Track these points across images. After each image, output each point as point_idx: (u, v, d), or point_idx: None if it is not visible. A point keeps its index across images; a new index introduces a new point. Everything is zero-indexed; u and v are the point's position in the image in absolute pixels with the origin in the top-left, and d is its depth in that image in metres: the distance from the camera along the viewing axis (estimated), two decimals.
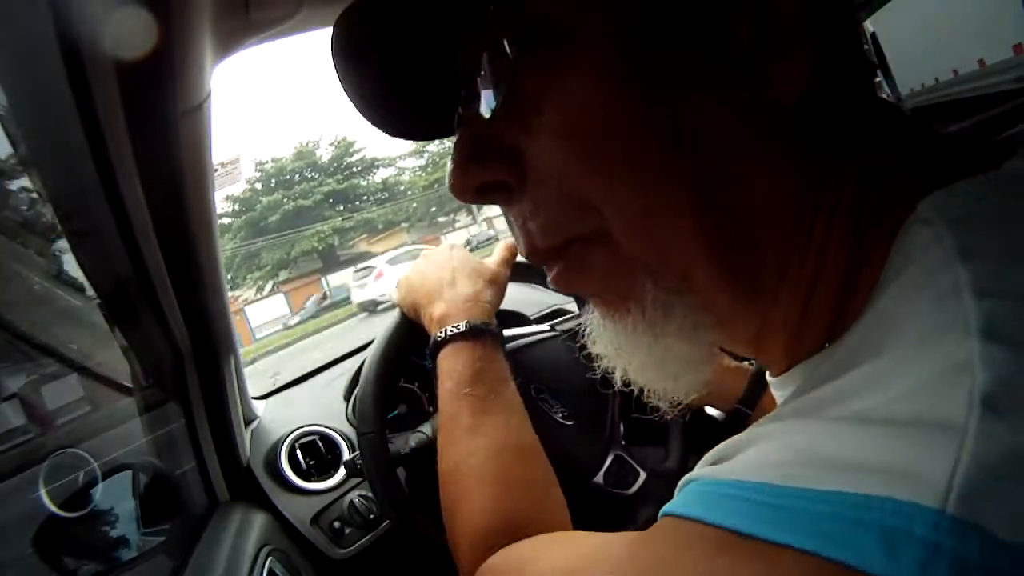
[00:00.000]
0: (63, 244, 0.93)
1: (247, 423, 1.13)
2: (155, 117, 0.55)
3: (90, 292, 0.88)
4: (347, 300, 22.36)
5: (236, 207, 30.12)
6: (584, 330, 0.48)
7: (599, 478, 0.92)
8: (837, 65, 0.35)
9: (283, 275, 30.65)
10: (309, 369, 1.38)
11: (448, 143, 0.49)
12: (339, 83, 0.46)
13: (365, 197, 33.54)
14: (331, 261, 31.35)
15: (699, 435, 0.94)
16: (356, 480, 1.06)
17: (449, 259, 0.90)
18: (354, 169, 32.79)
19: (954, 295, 0.23)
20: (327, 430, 1.14)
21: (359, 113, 0.48)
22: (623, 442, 0.98)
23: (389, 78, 0.46)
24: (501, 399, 0.75)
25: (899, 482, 0.20)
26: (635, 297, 0.38)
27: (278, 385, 1.34)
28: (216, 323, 0.94)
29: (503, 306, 0.93)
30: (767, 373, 0.44)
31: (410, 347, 0.91)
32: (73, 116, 0.51)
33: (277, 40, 0.60)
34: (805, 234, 0.35)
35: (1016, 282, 0.23)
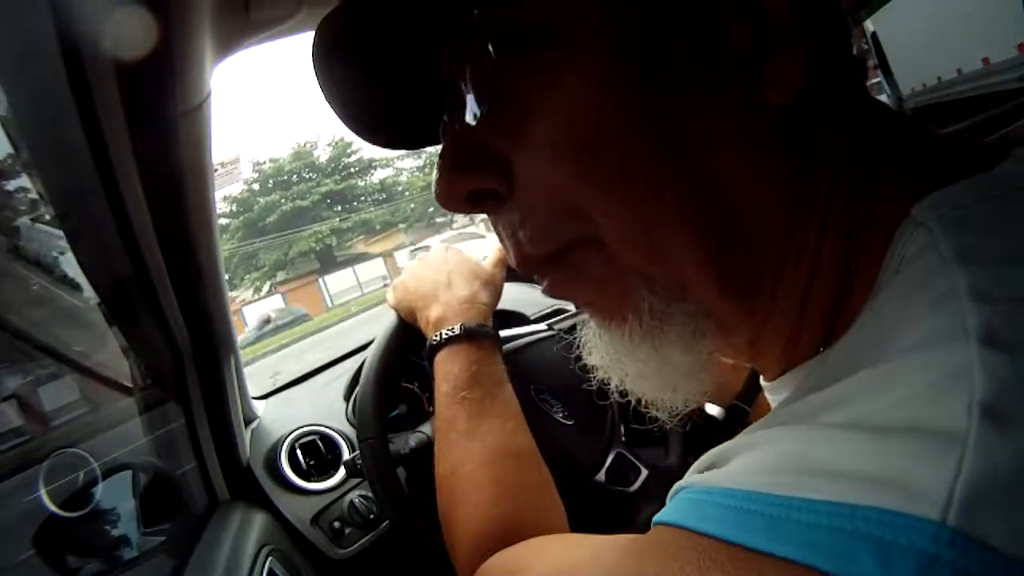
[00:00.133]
0: (63, 244, 0.93)
1: (247, 423, 1.13)
2: (155, 117, 0.55)
3: (90, 292, 0.88)
4: (304, 318, 22.19)
5: (234, 208, 30.08)
6: (580, 339, 0.47)
7: (601, 476, 0.92)
8: (831, 66, 0.35)
9: (281, 276, 30.60)
10: (309, 369, 1.38)
11: None
12: (320, 90, 0.45)
13: (363, 198, 33.50)
14: (328, 262, 31.30)
15: (699, 433, 0.94)
16: (356, 480, 1.06)
17: (445, 261, 0.90)
18: (352, 170, 32.74)
19: (951, 299, 0.23)
20: (327, 430, 1.14)
21: (341, 121, 0.47)
22: (623, 440, 0.98)
23: (371, 85, 0.45)
24: (497, 402, 0.75)
25: (896, 493, 0.20)
26: (632, 306, 0.37)
27: (278, 385, 1.34)
28: (216, 323, 0.94)
29: (503, 306, 0.93)
30: (761, 377, 0.44)
31: (410, 347, 0.91)
32: (73, 116, 0.51)
33: (277, 40, 0.60)
34: (800, 236, 0.35)
35: (1013, 285, 0.23)
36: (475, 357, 0.78)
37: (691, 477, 0.32)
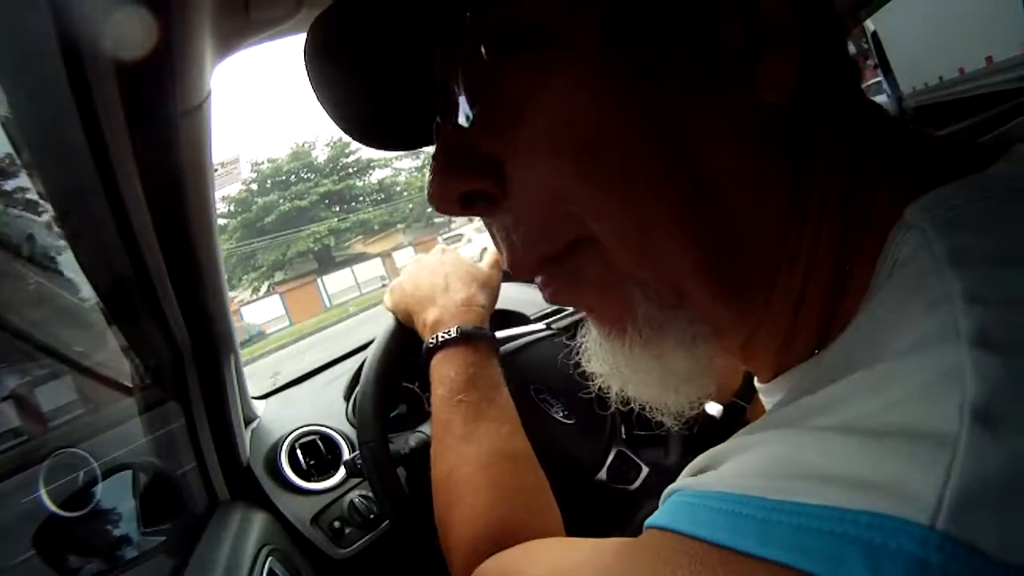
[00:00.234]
0: (63, 244, 0.93)
1: (247, 423, 1.13)
2: (155, 117, 0.55)
3: (90, 292, 0.88)
4: (260, 336, 22.17)
5: (232, 208, 30.05)
6: (580, 346, 0.47)
7: (602, 475, 0.92)
8: (826, 66, 0.35)
9: (279, 276, 30.57)
10: (309, 369, 1.38)
11: None
12: (313, 92, 0.45)
13: (361, 198, 33.47)
14: (327, 262, 31.28)
15: (699, 430, 0.94)
16: (356, 480, 1.06)
17: (441, 264, 0.89)
18: (350, 170, 32.72)
19: (945, 302, 0.23)
20: (327, 430, 1.14)
21: (334, 123, 0.47)
22: (624, 438, 0.99)
23: (363, 87, 0.45)
24: (494, 406, 0.75)
25: (886, 496, 0.20)
26: (630, 315, 0.38)
27: (278, 385, 1.34)
28: (216, 323, 0.94)
29: (504, 306, 0.93)
30: (755, 379, 0.44)
31: (410, 347, 0.91)
32: (73, 116, 0.51)
33: (277, 40, 0.61)
34: (794, 238, 0.34)
35: (1006, 287, 0.23)
36: (471, 360, 0.77)
37: (684, 480, 0.31)
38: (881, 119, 0.36)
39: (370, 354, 0.89)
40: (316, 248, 30.26)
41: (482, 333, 0.80)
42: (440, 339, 0.79)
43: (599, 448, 0.95)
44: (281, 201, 30.11)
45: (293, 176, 31.73)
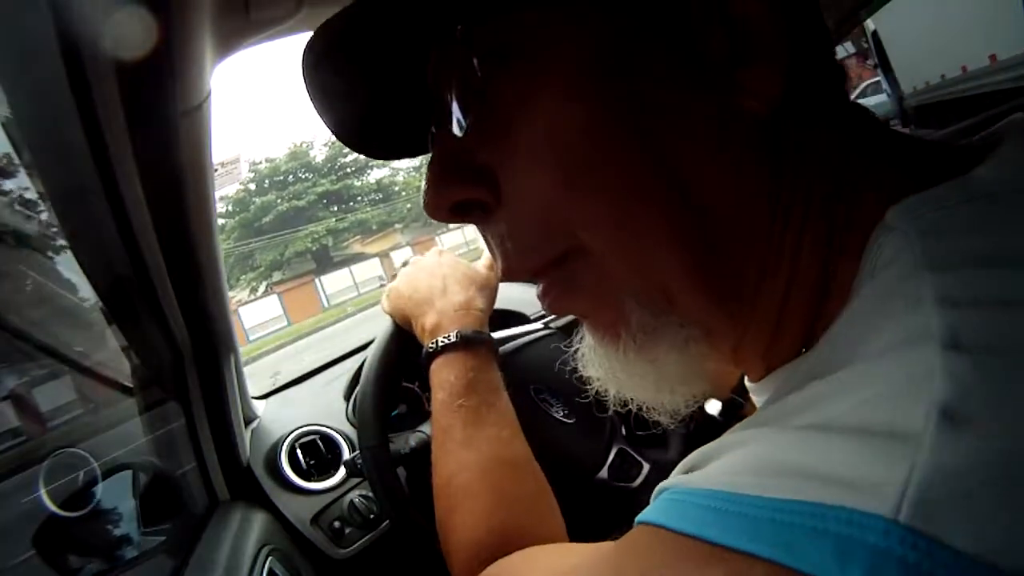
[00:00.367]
0: (63, 244, 0.93)
1: (247, 423, 1.13)
2: (155, 117, 0.55)
3: (90, 292, 0.88)
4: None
5: (230, 208, 30.05)
6: (576, 352, 0.48)
7: (603, 473, 0.92)
8: (810, 72, 0.35)
9: (277, 276, 30.57)
10: (309, 369, 1.38)
11: None
12: (311, 102, 0.45)
13: (359, 198, 33.48)
14: (325, 262, 31.28)
15: (698, 427, 0.95)
16: (356, 480, 1.06)
17: (439, 266, 0.89)
18: (348, 170, 32.72)
19: (920, 304, 0.24)
20: (327, 430, 1.14)
21: (332, 133, 0.48)
22: (624, 436, 0.99)
23: (359, 96, 0.45)
24: (494, 411, 0.75)
25: (855, 492, 0.20)
26: (623, 321, 0.38)
27: (278, 385, 1.34)
28: (216, 323, 0.94)
29: (503, 306, 0.93)
30: (746, 379, 0.45)
31: (410, 347, 0.91)
32: (73, 116, 0.51)
33: (277, 40, 0.61)
34: (778, 242, 0.35)
35: (981, 290, 0.23)
36: (471, 365, 0.77)
37: (674, 478, 0.32)
38: (866, 122, 0.37)
39: (370, 354, 0.89)
40: (314, 248, 30.26)
41: (481, 337, 0.80)
42: (440, 344, 0.79)
43: (600, 447, 0.95)
44: (279, 201, 30.11)
45: (291, 176, 31.73)
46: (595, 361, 0.44)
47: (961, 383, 0.20)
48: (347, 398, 1.21)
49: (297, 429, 1.12)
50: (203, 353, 0.98)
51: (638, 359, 0.39)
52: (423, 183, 0.42)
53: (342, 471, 1.07)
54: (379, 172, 33.89)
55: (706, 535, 0.25)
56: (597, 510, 0.77)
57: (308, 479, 1.06)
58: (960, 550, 0.18)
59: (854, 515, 0.20)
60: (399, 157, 0.51)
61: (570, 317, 1.15)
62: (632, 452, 0.96)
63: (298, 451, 1.09)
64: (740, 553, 0.23)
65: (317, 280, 29.94)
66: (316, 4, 0.57)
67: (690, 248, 0.35)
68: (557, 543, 0.65)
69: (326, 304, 28.96)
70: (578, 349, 0.48)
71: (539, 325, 1.13)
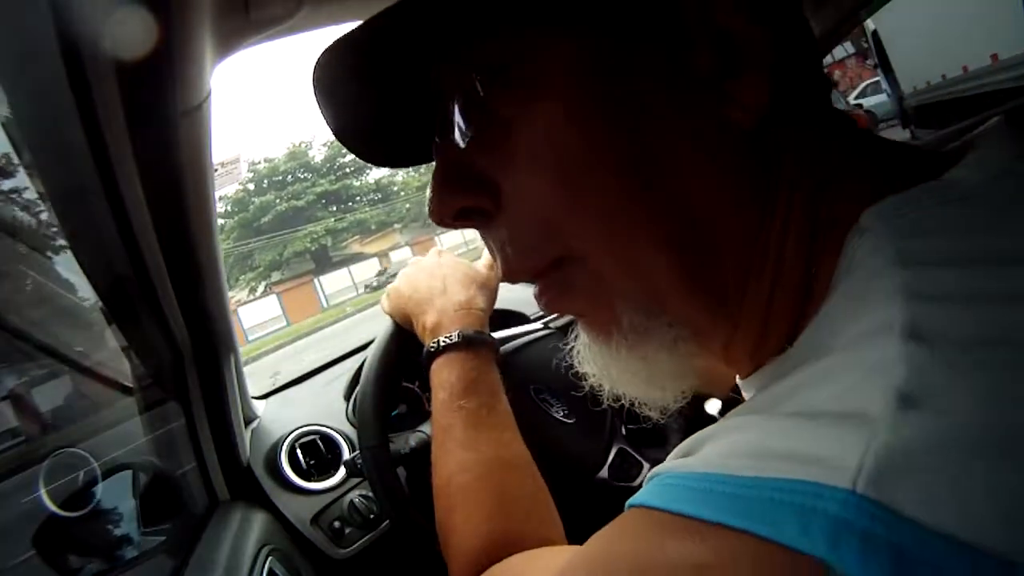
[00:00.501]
0: (63, 244, 0.93)
1: (247, 423, 1.13)
2: (155, 117, 0.55)
3: (90, 292, 0.88)
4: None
5: (229, 208, 30.06)
6: (573, 349, 0.50)
7: (604, 473, 0.92)
8: (795, 82, 0.37)
9: (276, 276, 30.59)
10: (309, 369, 1.38)
11: None
12: (321, 116, 0.47)
13: (358, 198, 33.51)
14: (324, 262, 31.30)
15: (697, 425, 0.95)
16: (356, 480, 1.06)
17: (439, 266, 0.89)
18: (347, 170, 32.75)
19: (887, 299, 0.25)
20: (327, 430, 1.13)
21: (341, 143, 0.50)
22: (624, 435, 0.99)
23: (368, 109, 0.48)
24: (495, 412, 0.75)
25: (821, 468, 0.22)
26: (616, 321, 0.40)
27: (278, 385, 1.34)
28: (216, 323, 0.94)
29: (503, 306, 0.93)
30: (737, 377, 0.46)
31: (410, 347, 0.91)
32: (73, 116, 0.51)
33: (277, 40, 0.60)
34: (762, 246, 0.37)
35: (943, 285, 0.25)
36: (473, 365, 0.77)
37: (666, 463, 0.34)
38: (849, 130, 0.39)
39: (370, 354, 0.89)
40: (313, 248, 30.28)
41: (483, 338, 0.80)
42: (441, 344, 0.79)
43: (600, 446, 0.95)
44: (278, 201, 30.13)
45: (290, 176, 31.75)
46: (590, 358, 0.46)
47: (919, 370, 0.22)
48: (347, 398, 1.21)
49: (297, 429, 1.12)
50: (203, 353, 0.98)
51: (630, 356, 0.41)
52: (428, 190, 0.45)
53: (342, 471, 1.07)
54: (378, 172, 33.97)
55: (683, 510, 0.27)
56: (597, 510, 0.77)
57: (308, 479, 1.06)
58: (915, 519, 0.19)
59: (817, 488, 0.22)
60: (405, 165, 0.54)
61: (569, 317, 1.15)
62: (632, 452, 0.96)
63: (298, 451, 1.09)
64: (719, 526, 0.25)
65: (316, 280, 29.98)
66: (316, 4, 0.57)
67: (678, 254, 0.37)
68: (556, 546, 0.65)
69: (325, 304, 28.99)
70: (574, 347, 0.50)
71: (539, 325, 1.13)
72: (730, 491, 0.25)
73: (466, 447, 0.72)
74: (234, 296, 28.25)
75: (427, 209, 0.45)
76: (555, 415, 0.94)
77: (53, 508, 0.86)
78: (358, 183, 33.11)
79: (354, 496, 1.04)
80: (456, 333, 0.79)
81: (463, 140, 0.42)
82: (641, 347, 0.40)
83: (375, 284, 28.60)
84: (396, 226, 34.19)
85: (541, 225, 0.40)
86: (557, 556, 0.56)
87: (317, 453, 1.11)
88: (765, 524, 0.23)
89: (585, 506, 0.70)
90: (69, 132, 0.53)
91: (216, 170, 0.73)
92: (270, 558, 0.84)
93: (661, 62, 0.36)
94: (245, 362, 1.14)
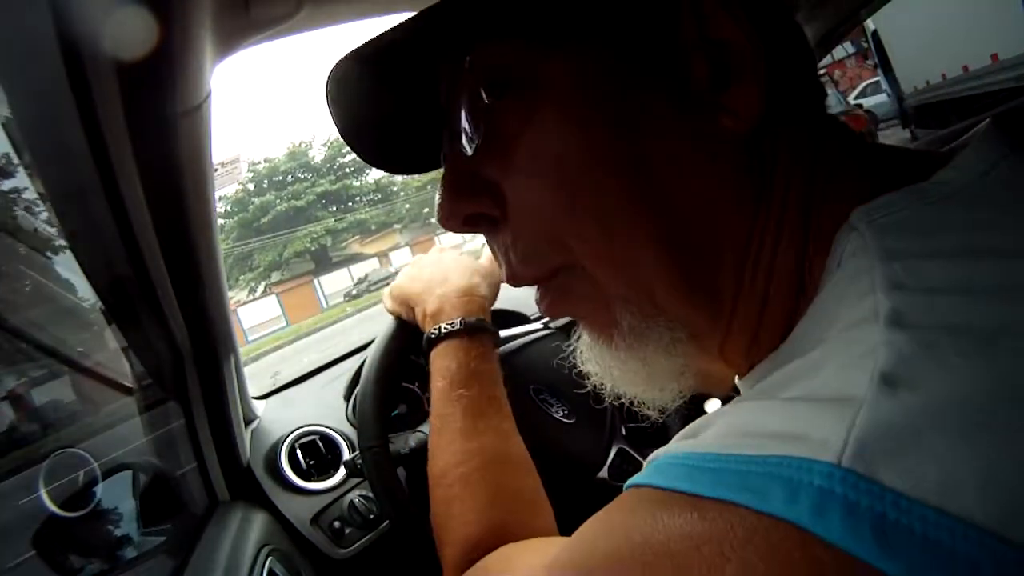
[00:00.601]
0: (63, 244, 0.93)
1: (247, 423, 1.13)
2: (155, 117, 0.55)
3: (90, 292, 0.88)
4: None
5: (228, 208, 30.04)
6: (575, 348, 0.52)
7: (604, 473, 0.92)
8: (788, 90, 0.39)
9: (275, 276, 30.58)
10: (309, 369, 1.38)
11: None
12: (335, 127, 0.49)
13: (358, 198, 33.50)
14: (323, 262, 31.29)
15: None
16: (356, 480, 1.06)
17: (441, 259, 0.90)
18: (347, 170, 32.73)
19: (871, 291, 0.27)
20: (327, 430, 1.13)
21: (356, 153, 0.52)
22: (624, 435, 0.99)
23: (381, 119, 0.50)
24: (494, 403, 0.76)
25: (806, 444, 0.23)
26: (615, 324, 0.42)
27: (278, 385, 1.33)
28: (216, 323, 0.94)
29: (504, 305, 0.92)
30: (736, 377, 0.48)
31: (411, 346, 0.91)
32: (73, 116, 0.51)
33: (277, 40, 0.60)
34: (756, 249, 0.38)
35: (924, 278, 0.27)
36: (474, 354, 0.78)
37: (666, 447, 0.35)
38: (842, 135, 0.40)
39: (370, 354, 0.89)
40: (313, 248, 30.27)
41: (484, 326, 0.81)
42: (442, 330, 0.79)
43: (600, 446, 0.95)
44: (278, 201, 30.12)
45: (290, 176, 31.74)
46: (592, 358, 0.48)
47: (900, 354, 0.23)
48: (347, 398, 1.21)
49: (297, 429, 1.12)
50: (203, 353, 0.98)
51: (630, 358, 0.43)
52: (437, 196, 0.47)
53: (342, 471, 1.07)
54: (378, 173, 33.76)
55: (685, 488, 0.28)
56: (597, 510, 0.77)
57: (308, 479, 1.06)
58: (897, 490, 0.20)
59: (804, 462, 0.23)
60: (415, 172, 0.56)
61: (569, 318, 1.15)
62: (632, 452, 0.96)
63: (298, 451, 1.09)
64: (713, 500, 0.26)
65: (316, 280, 29.97)
66: (316, 4, 0.57)
67: (674, 259, 0.39)
68: (550, 536, 0.66)
69: (325, 304, 28.96)
70: (576, 347, 0.52)
71: (539, 325, 1.13)
72: (723, 467, 0.26)
73: (466, 437, 0.72)
74: (234, 296, 28.22)
75: (436, 214, 0.47)
76: (555, 415, 0.94)
77: (53, 508, 0.86)
78: (358, 183, 33.09)
79: (354, 496, 1.04)
80: (458, 320, 0.79)
81: (470, 148, 0.43)
82: (640, 349, 0.42)
83: (354, 292, 28.56)
84: (396, 226, 34.19)
85: (542, 232, 0.42)
86: (552, 543, 0.57)
87: (317, 453, 1.11)
88: (755, 496, 0.24)
89: (585, 506, 0.70)
90: (69, 132, 0.53)
91: (216, 170, 0.73)
92: (270, 558, 0.84)
93: (659, 73, 0.38)
94: (245, 362, 1.14)
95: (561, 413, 0.94)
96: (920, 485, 0.20)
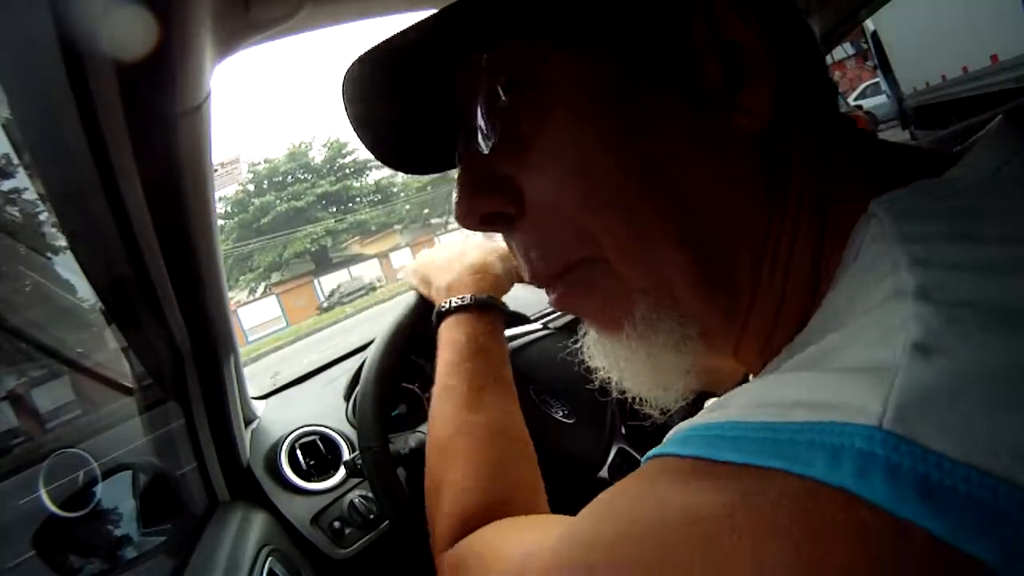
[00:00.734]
0: (63, 244, 0.93)
1: (247, 423, 1.13)
2: (155, 117, 0.55)
3: (90, 292, 0.88)
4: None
5: (228, 208, 30.04)
6: (582, 344, 0.52)
7: (604, 472, 0.92)
8: (801, 90, 0.39)
9: (275, 277, 30.57)
10: (309, 369, 1.38)
11: None
12: (351, 126, 0.50)
13: (358, 199, 33.49)
14: (323, 263, 31.29)
15: None
16: (356, 480, 1.06)
17: (463, 241, 0.92)
18: (347, 170, 32.73)
19: (893, 271, 0.27)
20: (327, 430, 1.13)
21: (370, 152, 0.52)
22: (624, 435, 0.99)
23: (396, 118, 0.50)
24: (500, 381, 0.76)
25: (844, 411, 0.23)
26: (628, 314, 0.42)
27: (278, 385, 1.34)
28: (216, 323, 0.94)
29: None
30: (750, 376, 0.48)
31: (411, 347, 0.91)
32: (73, 116, 0.51)
33: (277, 40, 0.61)
34: (775, 243, 0.39)
35: (945, 256, 0.27)
36: (482, 330, 0.78)
37: (688, 420, 0.34)
38: (851, 132, 0.41)
39: (370, 354, 0.89)
40: (313, 249, 30.27)
41: (494, 303, 0.82)
42: (453, 304, 0.80)
43: (600, 446, 0.95)
44: (278, 202, 30.11)
45: (290, 177, 31.73)
46: (600, 352, 0.48)
47: (929, 325, 0.24)
48: (347, 398, 1.21)
49: (297, 429, 1.12)
50: (203, 353, 0.98)
51: (639, 347, 0.43)
52: (453, 195, 0.47)
53: (342, 471, 1.07)
54: (378, 173, 33.92)
55: (715, 456, 0.27)
56: None
57: (308, 479, 1.06)
58: (940, 451, 0.20)
59: (845, 427, 0.23)
60: (429, 172, 0.56)
61: (569, 317, 1.15)
62: (632, 451, 0.96)
63: (298, 451, 1.09)
64: (747, 467, 0.25)
65: (316, 281, 29.96)
66: (316, 3, 0.57)
67: (693, 251, 0.39)
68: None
69: (325, 305, 28.94)
70: (582, 343, 0.52)
71: (538, 325, 1.13)
72: (756, 435, 0.26)
73: (470, 409, 0.72)
74: (234, 297, 28.21)
75: (454, 215, 0.47)
76: (555, 415, 0.94)
77: (53, 508, 0.86)
78: (358, 184, 33.08)
79: (354, 496, 1.04)
80: (469, 296, 0.80)
81: (486, 146, 0.43)
82: (649, 339, 0.42)
83: (325, 305, 28.49)
84: (396, 227, 34.18)
85: (562, 229, 0.42)
86: (556, 520, 0.56)
87: (317, 453, 1.11)
88: (794, 461, 0.23)
89: (585, 506, 0.70)
90: (69, 132, 0.53)
91: (216, 170, 0.73)
92: (270, 558, 0.84)
93: (672, 73, 0.39)
94: (245, 363, 1.14)
95: (561, 413, 0.94)
96: (961, 446, 0.20)
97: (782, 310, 0.39)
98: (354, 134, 0.51)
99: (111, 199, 0.61)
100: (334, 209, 32.21)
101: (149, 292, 0.77)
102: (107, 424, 1.24)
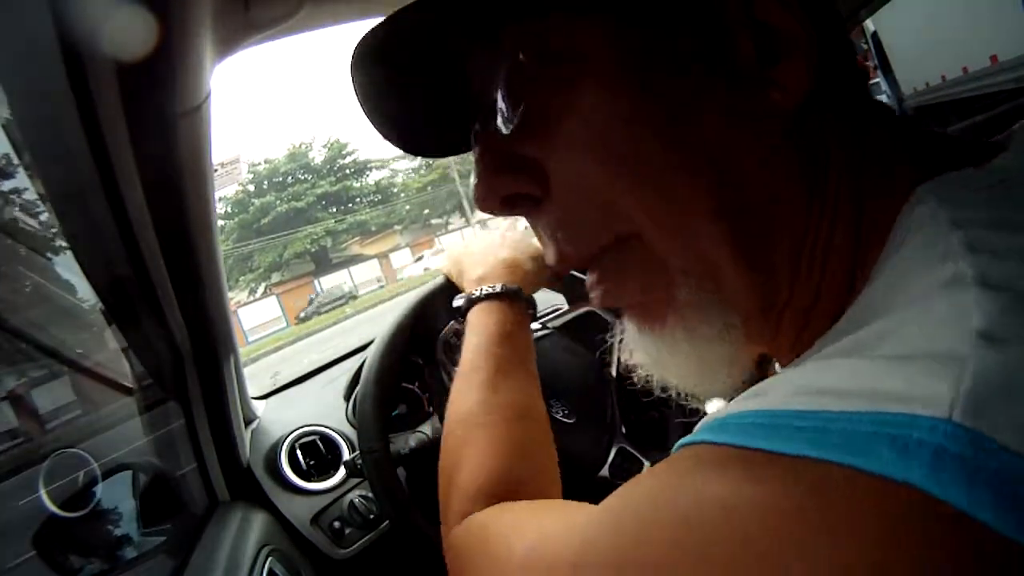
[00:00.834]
0: (63, 244, 0.93)
1: (247, 423, 1.13)
2: (155, 117, 0.55)
3: (90, 292, 0.88)
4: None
5: (229, 209, 30.04)
6: (619, 341, 0.49)
7: (605, 472, 0.92)
8: (833, 69, 0.38)
9: (275, 277, 30.56)
10: (309, 369, 1.38)
11: None
12: (360, 107, 0.48)
13: (358, 199, 33.49)
14: (324, 263, 31.28)
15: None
16: (356, 480, 1.06)
17: (499, 236, 0.92)
18: (347, 171, 32.73)
19: (950, 256, 0.26)
20: (327, 430, 1.14)
21: (379, 133, 0.50)
22: (624, 434, 0.99)
23: (406, 100, 0.48)
24: (525, 368, 0.76)
25: (911, 402, 0.22)
26: (671, 303, 0.40)
27: (278, 385, 1.34)
28: (216, 323, 0.94)
29: None
30: (776, 364, 0.46)
31: (411, 347, 0.91)
32: (73, 116, 0.51)
33: (277, 40, 0.61)
34: (814, 226, 0.37)
35: (1000, 241, 0.26)
36: (511, 319, 0.78)
37: (725, 407, 0.33)
38: (890, 118, 0.39)
39: (370, 354, 0.89)
40: (313, 249, 30.26)
41: (523, 296, 0.82)
42: (483, 292, 0.80)
43: (600, 446, 0.95)
44: (278, 202, 30.11)
45: (290, 177, 31.73)
46: (640, 347, 0.45)
47: (992, 314, 0.23)
48: (347, 398, 1.21)
49: (297, 429, 1.12)
50: (203, 354, 0.98)
51: (682, 339, 0.41)
52: (472, 178, 0.45)
53: (342, 471, 1.07)
54: (378, 173, 33.95)
55: (764, 446, 0.26)
56: None
57: (308, 479, 1.06)
58: (1009, 447, 0.20)
59: (912, 418, 0.22)
60: (441, 155, 0.54)
61: (568, 317, 1.15)
62: (633, 451, 0.96)
63: (298, 451, 1.09)
64: (801, 459, 0.24)
65: (316, 281, 29.95)
66: (316, 3, 0.57)
67: (731, 225, 0.37)
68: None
69: (302, 316, 28.88)
70: (621, 340, 0.49)
71: (537, 325, 1.13)
72: (810, 425, 0.25)
73: (494, 390, 0.71)
74: (234, 297, 28.19)
75: (472, 197, 0.45)
76: (555, 415, 0.94)
77: (53, 508, 0.86)
78: (358, 184, 33.08)
79: (354, 496, 1.04)
80: (500, 285, 0.80)
81: (506, 126, 0.42)
82: (693, 329, 0.40)
83: (302, 316, 28.35)
84: (396, 227, 34.17)
85: (594, 205, 0.40)
86: (573, 507, 0.53)
87: (317, 453, 1.11)
88: (857, 454, 0.22)
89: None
90: (69, 132, 0.53)
91: (216, 171, 0.73)
92: (270, 558, 0.84)
93: (702, 48, 0.37)
94: (245, 363, 1.14)
95: (561, 413, 0.94)
96: None
97: (815, 309, 0.38)
98: (353, 133, 0.51)
99: (111, 199, 0.61)
100: (334, 209, 32.21)
101: (149, 292, 0.77)
102: (107, 424, 1.24)
